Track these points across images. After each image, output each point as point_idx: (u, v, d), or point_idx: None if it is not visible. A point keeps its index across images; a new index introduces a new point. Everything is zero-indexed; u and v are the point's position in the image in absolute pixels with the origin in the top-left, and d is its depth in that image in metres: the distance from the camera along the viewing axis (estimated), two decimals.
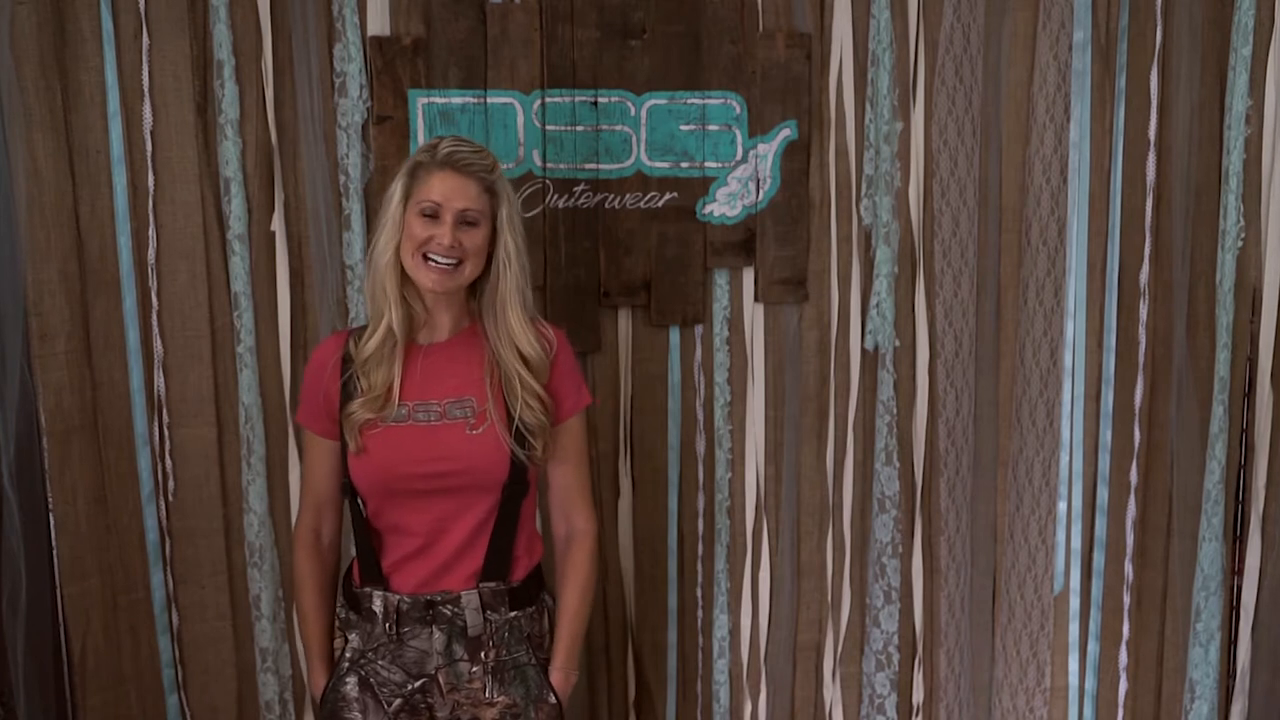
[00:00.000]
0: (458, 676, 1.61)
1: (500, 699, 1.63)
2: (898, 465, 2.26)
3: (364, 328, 1.67)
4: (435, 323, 1.65)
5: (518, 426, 1.61)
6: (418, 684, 1.61)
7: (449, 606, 1.60)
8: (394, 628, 1.60)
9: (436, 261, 1.56)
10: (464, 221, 1.57)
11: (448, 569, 1.61)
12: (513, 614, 1.65)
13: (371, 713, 1.61)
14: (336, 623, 1.72)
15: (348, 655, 1.64)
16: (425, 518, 1.60)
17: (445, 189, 1.56)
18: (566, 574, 1.72)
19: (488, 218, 1.60)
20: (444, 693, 1.62)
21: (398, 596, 1.60)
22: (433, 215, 1.56)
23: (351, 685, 1.62)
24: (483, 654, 1.62)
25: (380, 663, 1.61)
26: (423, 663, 1.61)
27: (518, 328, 1.62)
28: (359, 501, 1.64)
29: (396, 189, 1.60)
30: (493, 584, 1.62)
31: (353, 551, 1.71)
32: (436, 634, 1.60)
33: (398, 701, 1.61)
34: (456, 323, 1.66)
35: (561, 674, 1.68)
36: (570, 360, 1.72)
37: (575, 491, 1.74)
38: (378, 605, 1.61)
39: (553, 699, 1.66)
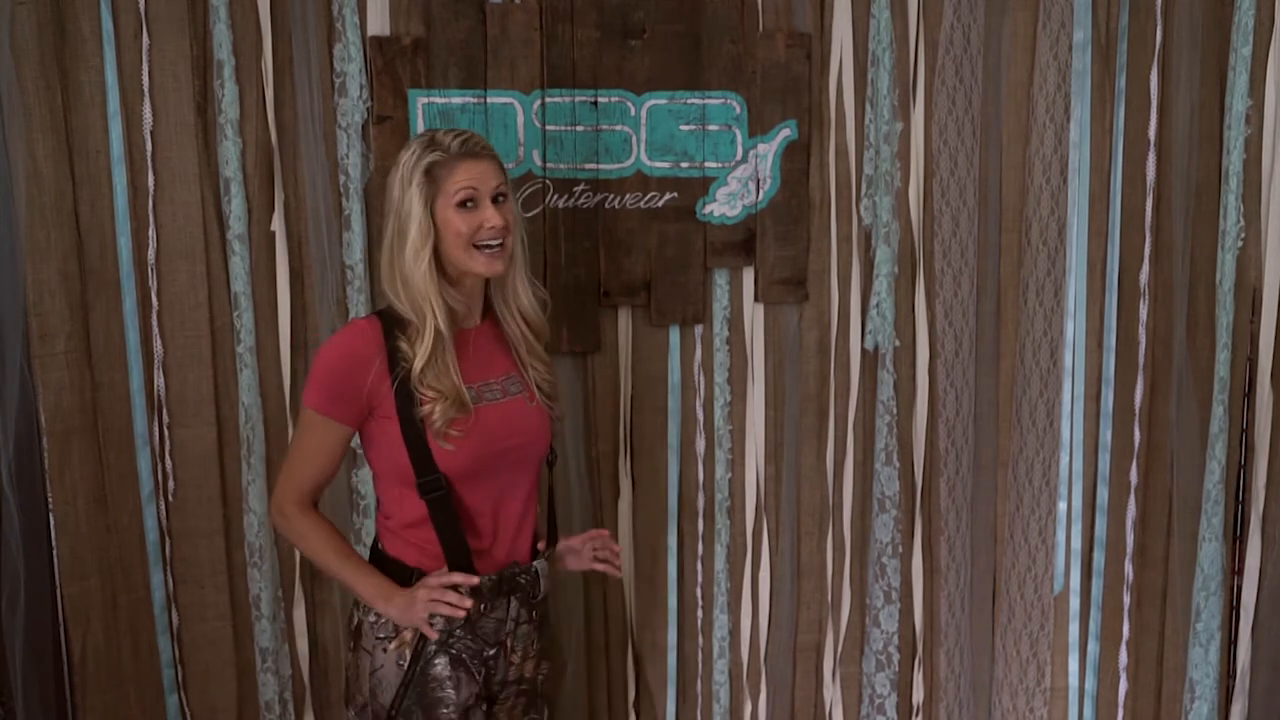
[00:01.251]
0: (519, 639, 1.70)
1: (537, 649, 1.74)
2: (898, 465, 2.26)
3: (383, 311, 1.65)
4: (472, 309, 1.70)
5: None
6: (493, 651, 1.67)
7: (523, 576, 1.69)
8: (485, 606, 1.65)
9: (488, 246, 1.61)
10: (498, 198, 1.63)
11: (515, 541, 1.69)
12: (550, 575, 1.76)
13: (465, 686, 1.65)
14: (369, 634, 1.66)
15: (434, 640, 1.64)
16: (491, 493, 1.66)
17: (474, 175, 1.60)
18: None
19: (505, 185, 1.66)
20: (508, 655, 1.69)
21: (485, 578, 1.64)
22: (470, 204, 1.60)
23: (442, 665, 1.64)
24: (534, 612, 1.72)
25: (466, 639, 1.65)
26: (498, 631, 1.67)
27: (525, 297, 1.71)
28: (444, 493, 1.61)
29: (413, 196, 1.59)
30: (545, 547, 1.76)
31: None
32: (514, 603, 1.68)
33: (483, 670, 1.66)
34: (484, 308, 1.72)
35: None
36: None
37: None
38: (465, 591, 1.63)
39: (550, 632, 1.83)
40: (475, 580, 1.61)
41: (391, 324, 1.62)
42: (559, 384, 1.79)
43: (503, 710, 1.72)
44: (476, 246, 1.60)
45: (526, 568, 1.69)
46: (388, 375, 1.59)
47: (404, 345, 1.59)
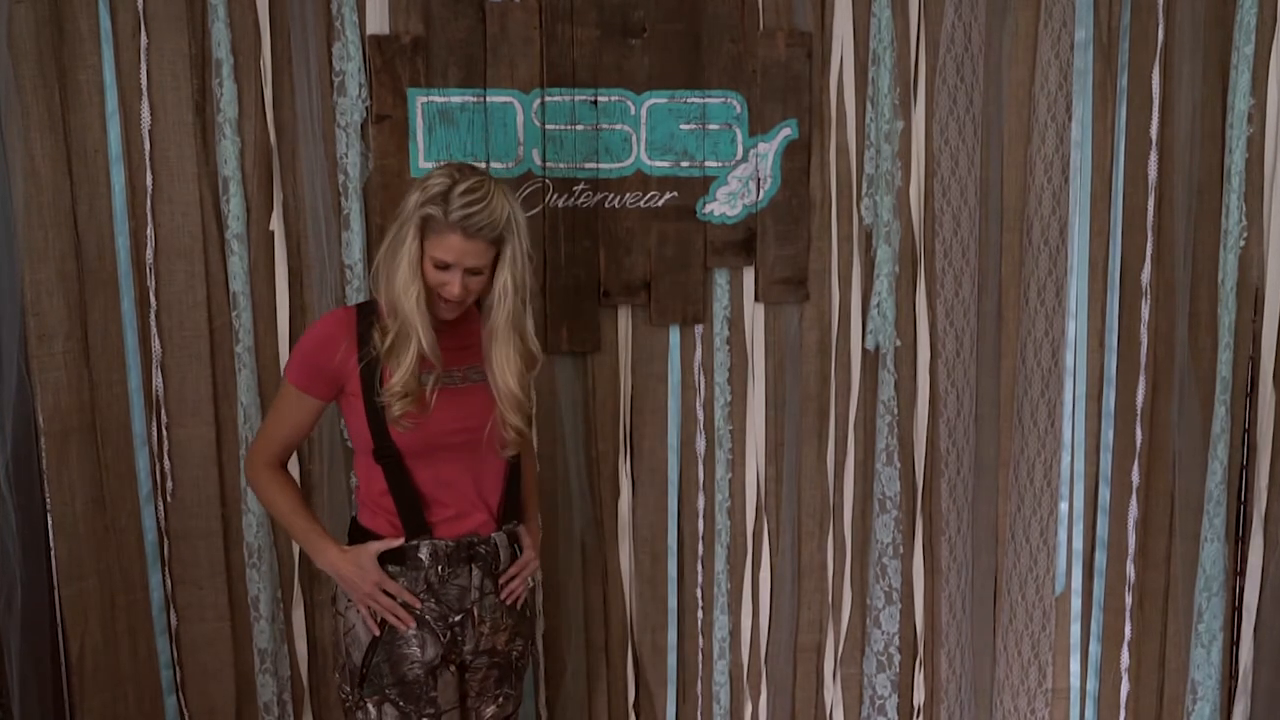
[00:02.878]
0: (485, 610, 1.77)
1: (509, 622, 1.81)
2: (898, 465, 2.25)
3: (367, 304, 1.75)
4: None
5: None
6: (458, 618, 1.75)
7: (483, 546, 1.76)
8: (443, 569, 1.73)
9: (446, 300, 1.69)
10: (471, 273, 1.68)
11: (476, 514, 1.76)
12: (512, 548, 1.83)
13: (430, 646, 1.73)
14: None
15: (399, 600, 1.75)
16: (453, 469, 1.74)
17: (455, 252, 1.65)
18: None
19: (491, 262, 1.70)
20: (475, 625, 1.76)
21: (443, 542, 1.74)
22: (445, 267, 1.67)
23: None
24: (500, 585, 1.79)
25: (430, 603, 1.73)
26: (462, 599, 1.75)
27: (498, 363, 1.73)
28: (397, 463, 1.72)
29: (409, 231, 1.65)
30: (511, 524, 1.82)
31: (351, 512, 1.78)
32: (475, 571, 1.75)
33: (448, 634, 1.74)
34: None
35: (536, 524, 1.94)
36: None
37: None
38: (425, 553, 1.73)
39: (528, 613, 1.88)
40: (417, 604, 1.72)
41: (369, 313, 1.72)
42: (527, 441, 1.82)
43: (474, 679, 1.79)
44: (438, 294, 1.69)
45: (485, 538, 1.76)
46: (354, 355, 1.70)
47: (376, 336, 1.69)
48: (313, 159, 2.02)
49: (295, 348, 1.78)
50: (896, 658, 2.32)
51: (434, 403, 1.70)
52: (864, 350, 2.23)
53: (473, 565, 1.75)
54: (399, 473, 1.72)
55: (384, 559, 1.73)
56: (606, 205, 2.10)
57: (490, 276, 1.71)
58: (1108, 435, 2.28)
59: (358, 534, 1.77)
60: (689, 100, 2.09)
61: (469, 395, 1.74)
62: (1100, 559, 2.32)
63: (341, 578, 1.73)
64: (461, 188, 1.64)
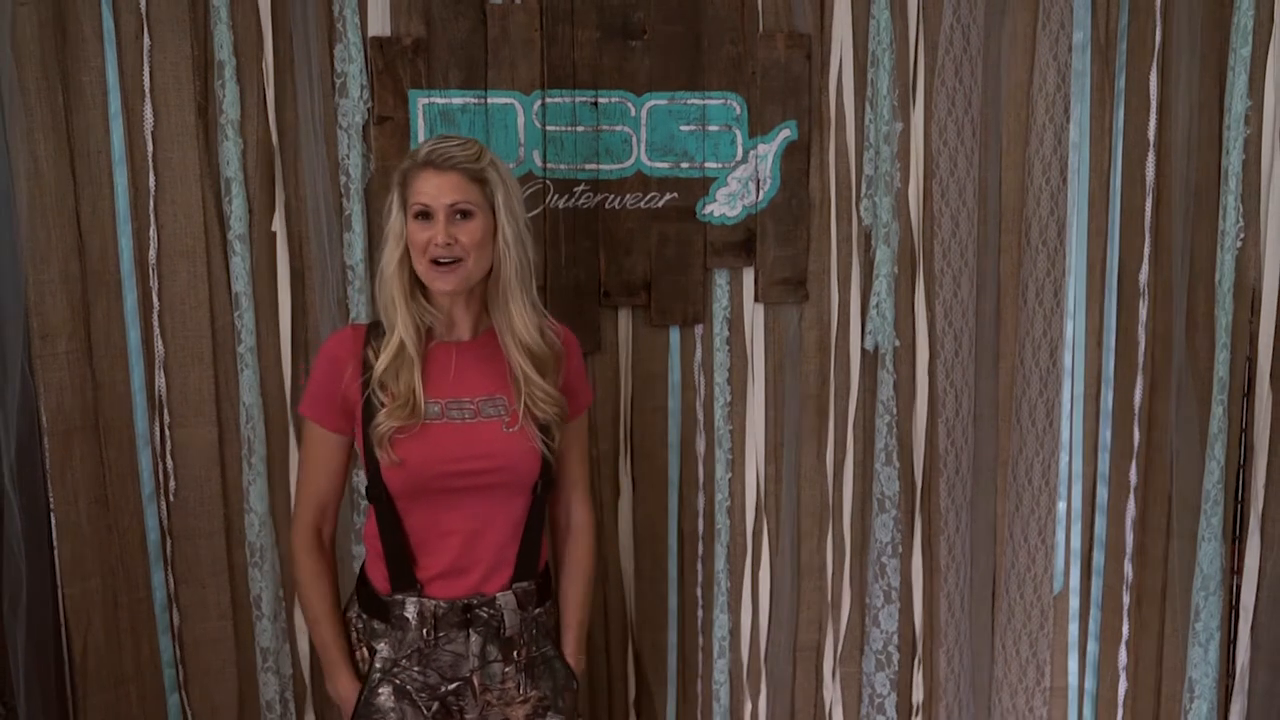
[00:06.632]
0: (490, 678, 1.61)
1: (533, 694, 1.64)
2: (897, 465, 2.26)
3: (378, 323, 1.65)
4: (456, 323, 1.64)
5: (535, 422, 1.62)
6: (452, 686, 1.60)
7: (485, 609, 1.60)
8: (431, 634, 1.58)
9: (440, 263, 1.55)
10: (457, 215, 1.54)
11: (481, 570, 1.60)
12: (537, 610, 1.66)
13: (410, 719, 1.59)
14: (355, 634, 1.67)
15: (378, 665, 1.61)
16: (457, 517, 1.59)
17: (430, 187, 1.54)
18: (569, 565, 1.76)
19: (484, 207, 1.56)
20: (477, 695, 1.61)
21: (434, 602, 1.58)
22: (426, 216, 1.55)
23: (385, 695, 1.60)
24: (515, 653, 1.63)
25: (414, 669, 1.59)
26: (457, 666, 1.59)
27: (518, 318, 1.60)
28: (388, 505, 1.60)
29: (394, 200, 1.59)
30: (525, 583, 1.64)
31: (354, 556, 1.69)
32: (473, 637, 1.59)
33: (435, 705, 1.59)
34: (477, 323, 1.65)
35: (574, 660, 1.72)
36: (581, 360, 1.77)
37: (578, 483, 1.77)
38: (411, 612, 1.58)
39: (575, 685, 1.69)
40: (347, 697, 1.61)
41: (375, 332, 1.62)
42: (561, 415, 1.65)
43: None
44: (434, 261, 1.54)
45: (488, 598, 1.60)
46: (359, 380, 1.59)
47: (371, 354, 1.58)
48: (314, 160, 2.03)
49: (309, 376, 1.69)
50: (895, 656, 2.33)
51: (432, 434, 1.54)
52: (863, 350, 2.24)
53: (470, 630, 1.58)
54: (389, 516, 1.57)
55: (370, 614, 1.62)
56: (607, 206, 2.11)
57: (492, 236, 1.56)
58: (1105, 435, 2.29)
59: (361, 581, 1.69)
60: (689, 102, 2.10)
61: (477, 432, 1.58)
62: (1098, 558, 2.33)
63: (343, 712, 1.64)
64: (434, 137, 1.59)
